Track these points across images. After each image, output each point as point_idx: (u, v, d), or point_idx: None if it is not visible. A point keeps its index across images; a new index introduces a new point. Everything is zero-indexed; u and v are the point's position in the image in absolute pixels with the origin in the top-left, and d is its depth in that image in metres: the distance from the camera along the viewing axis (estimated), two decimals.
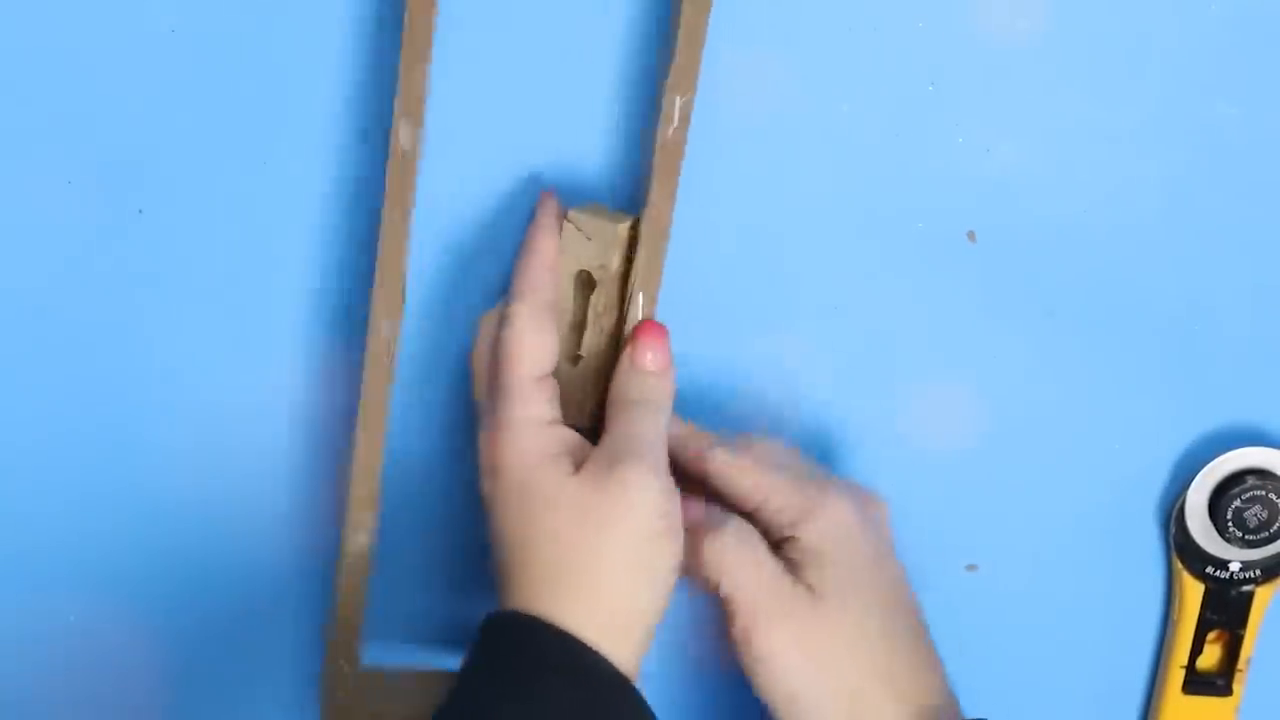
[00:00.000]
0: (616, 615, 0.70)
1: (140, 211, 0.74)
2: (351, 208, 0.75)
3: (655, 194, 0.72)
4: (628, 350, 0.74)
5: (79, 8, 0.72)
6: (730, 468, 0.75)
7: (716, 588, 0.74)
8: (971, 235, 0.77)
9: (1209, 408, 0.80)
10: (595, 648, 0.69)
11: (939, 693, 0.75)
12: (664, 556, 0.71)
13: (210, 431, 0.78)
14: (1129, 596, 0.82)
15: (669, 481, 0.71)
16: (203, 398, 0.77)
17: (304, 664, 0.80)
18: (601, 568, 0.70)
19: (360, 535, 0.75)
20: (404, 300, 0.73)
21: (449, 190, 0.75)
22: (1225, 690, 0.83)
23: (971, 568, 0.81)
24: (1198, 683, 0.82)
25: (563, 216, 0.74)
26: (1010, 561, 0.82)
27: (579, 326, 0.75)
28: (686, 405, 0.77)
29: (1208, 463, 0.79)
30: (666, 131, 0.71)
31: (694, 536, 0.73)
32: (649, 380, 0.74)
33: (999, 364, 0.79)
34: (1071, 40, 0.75)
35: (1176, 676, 0.82)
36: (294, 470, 0.78)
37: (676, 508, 0.71)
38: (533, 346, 0.72)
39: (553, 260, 0.74)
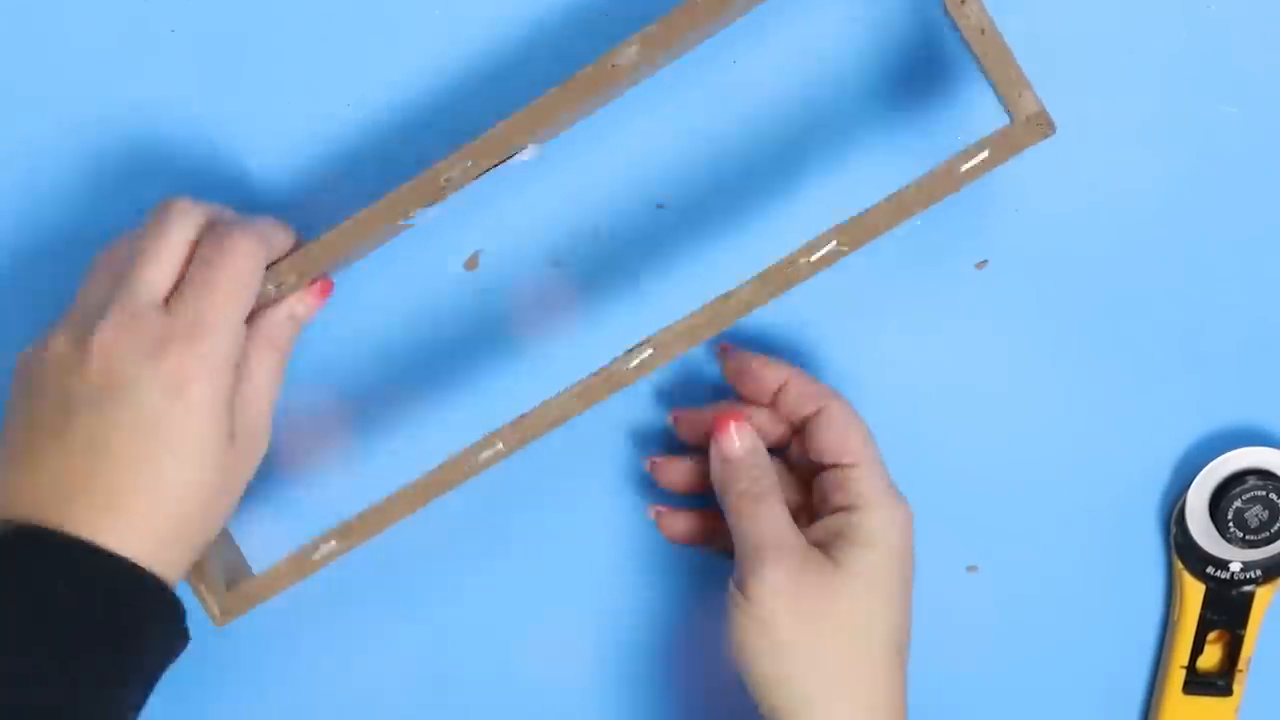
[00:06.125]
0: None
1: (142, 212, 0.75)
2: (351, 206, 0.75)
3: None
4: None
5: (80, 8, 0.72)
6: (752, 360, 0.75)
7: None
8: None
9: (1209, 408, 0.80)
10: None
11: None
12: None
13: None
14: (1129, 597, 0.82)
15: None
16: None
17: None
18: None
19: None
20: None
21: None
22: (1225, 690, 0.83)
23: (972, 568, 0.81)
24: (1198, 683, 0.82)
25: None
26: (1010, 561, 0.82)
27: None
28: (679, 395, 0.78)
29: (1208, 463, 0.79)
30: None
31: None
32: None
33: (999, 363, 0.79)
34: (1071, 40, 0.75)
35: (1177, 676, 0.82)
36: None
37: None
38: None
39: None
